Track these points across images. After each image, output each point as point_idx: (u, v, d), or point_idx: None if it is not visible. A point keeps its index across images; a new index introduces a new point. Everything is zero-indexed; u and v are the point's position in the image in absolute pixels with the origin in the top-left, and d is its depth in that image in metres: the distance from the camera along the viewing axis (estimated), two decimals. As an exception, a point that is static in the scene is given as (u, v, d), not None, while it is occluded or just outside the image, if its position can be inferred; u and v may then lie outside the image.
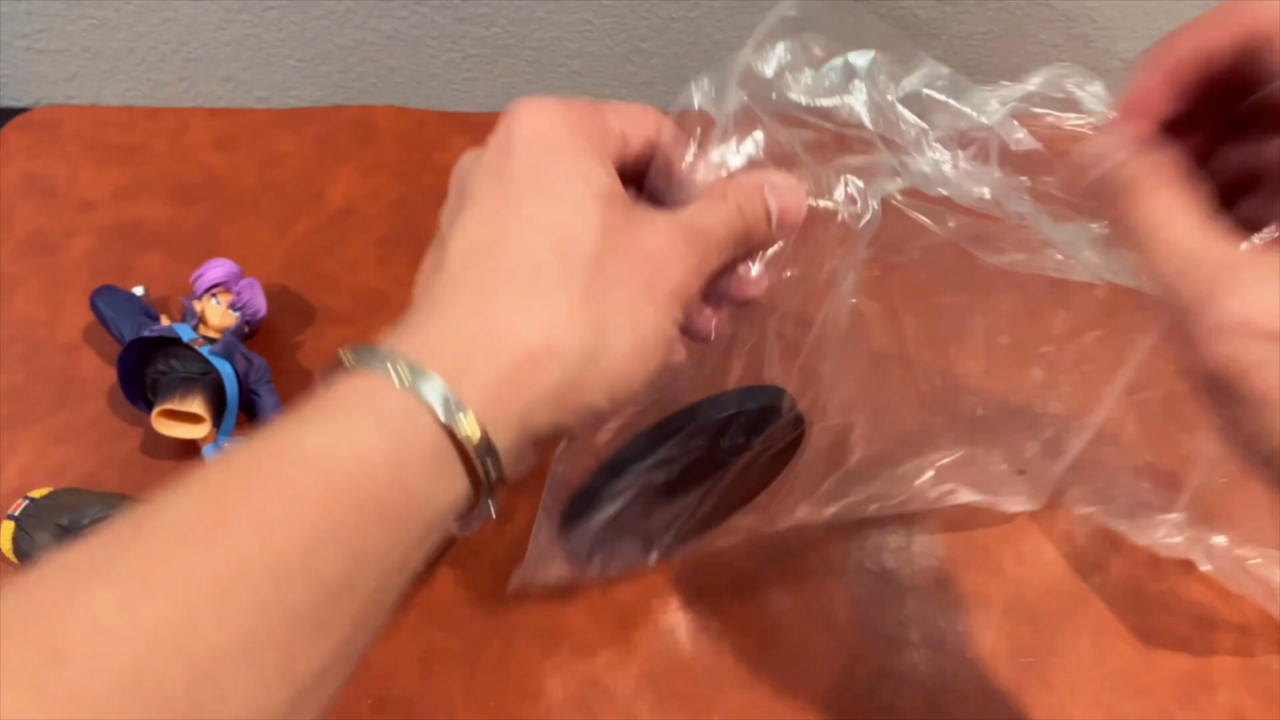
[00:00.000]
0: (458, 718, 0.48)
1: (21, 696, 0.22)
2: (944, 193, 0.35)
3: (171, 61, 0.69)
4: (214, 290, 0.57)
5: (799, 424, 0.45)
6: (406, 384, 0.27)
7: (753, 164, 0.34)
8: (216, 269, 0.57)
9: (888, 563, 0.52)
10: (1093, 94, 0.33)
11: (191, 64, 0.69)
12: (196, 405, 0.53)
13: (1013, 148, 0.34)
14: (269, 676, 0.24)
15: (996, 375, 0.49)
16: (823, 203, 0.34)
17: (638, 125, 0.33)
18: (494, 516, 0.30)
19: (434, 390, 0.27)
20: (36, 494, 0.50)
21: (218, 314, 0.56)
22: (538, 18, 0.65)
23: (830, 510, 0.51)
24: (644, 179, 0.35)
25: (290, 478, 0.26)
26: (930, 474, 0.51)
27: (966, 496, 0.52)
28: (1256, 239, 0.27)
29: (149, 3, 0.65)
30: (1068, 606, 0.51)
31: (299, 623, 0.25)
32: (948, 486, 0.51)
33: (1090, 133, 0.32)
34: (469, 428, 0.27)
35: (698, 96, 0.34)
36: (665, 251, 0.31)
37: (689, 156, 0.34)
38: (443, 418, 0.27)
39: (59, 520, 0.49)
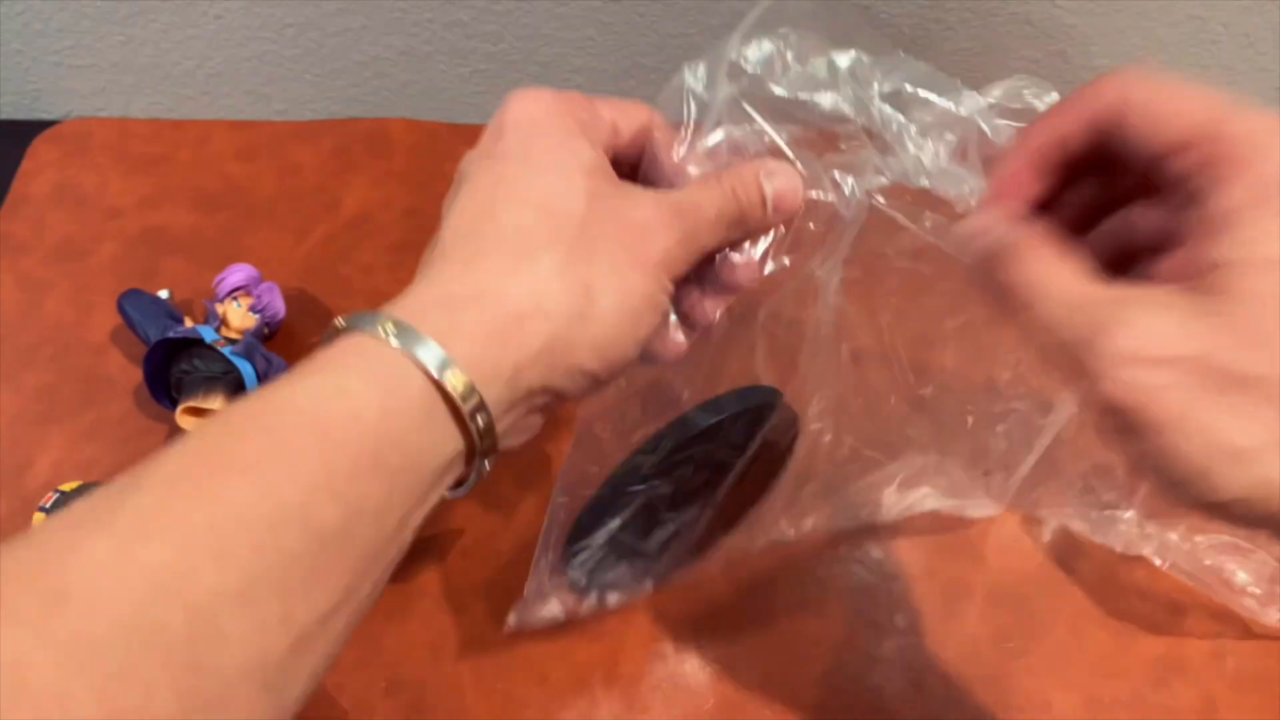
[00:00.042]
0: (466, 701, 0.48)
1: (24, 637, 0.21)
2: (927, 184, 0.34)
3: (195, 76, 0.69)
4: (235, 294, 0.57)
5: (795, 423, 0.45)
6: (395, 341, 0.27)
7: (744, 154, 0.34)
8: (237, 273, 0.58)
9: (874, 554, 0.52)
10: (1050, 103, 0.34)
11: (214, 79, 0.69)
12: (218, 403, 0.53)
13: (992, 137, 0.34)
14: (268, 621, 0.24)
15: (966, 377, 0.48)
16: (813, 193, 0.34)
17: (628, 117, 0.33)
18: (487, 471, 0.30)
19: (422, 345, 0.27)
20: (66, 487, 0.51)
21: (239, 316, 0.56)
22: (543, 35, 0.66)
23: (809, 522, 0.50)
24: (637, 173, 0.35)
25: (284, 429, 0.26)
26: (900, 478, 0.50)
27: (933, 504, 0.51)
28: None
29: (174, 20, 0.65)
30: (1046, 594, 0.51)
31: (297, 570, 0.24)
32: (916, 494, 0.51)
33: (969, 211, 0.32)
34: (456, 380, 0.27)
35: (690, 79, 0.34)
36: (651, 221, 0.30)
37: (681, 148, 0.34)
38: (432, 371, 0.27)
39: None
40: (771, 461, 0.47)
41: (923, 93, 0.34)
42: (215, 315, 0.56)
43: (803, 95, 0.34)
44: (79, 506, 0.24)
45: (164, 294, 0.59)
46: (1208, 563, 0.50)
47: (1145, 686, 0.49)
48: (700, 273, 0.33)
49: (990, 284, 0.28)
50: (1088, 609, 0.51)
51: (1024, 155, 0.29)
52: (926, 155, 0.34)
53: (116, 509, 0.24)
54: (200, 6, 0.64)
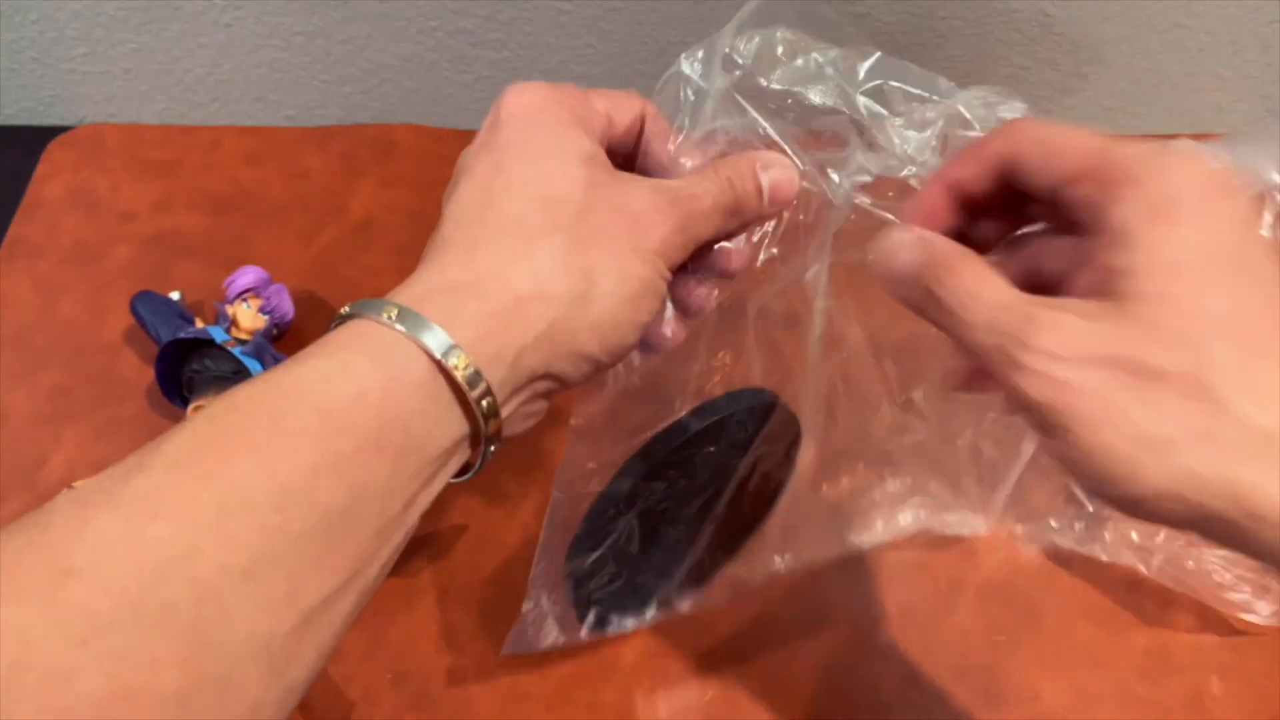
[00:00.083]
0: (472, 692, 0.48)
1: (32, 612, 0.21)
2: (912, 174, 0.34)
3: (205, 83, 0.69)
4: (245, 295, 0.57)
5: (794, 425, 0.44)
6: (399, 325, 0.27)
7: (739, 145, 0.34)
8: (247, 275, 0.58)
9: (869, 550, 0.52)
10: (1014, 109, 0.34)
11: (224, 85, 0.69)
12: (229, 402, 0.53)
13: (976, 127, 0.34)
14: (273, 600, 0.24)
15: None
16: (803, 184, 0.34)
17: (622, 107, 0.33)
18: (492, 454, 0.29)
19: (426, 329, 0.27)
20: (80, 484, 0.50)
21: (248, 317, 0.56)
22: (545, 43, 0.66)
23: (807, 554, 0.49)
24: (631, 162, 0.34)
25: (288, 411, 0.25)
26: (891, 496, 0.49)
27: (924, 521, 0.51)
28: None
29: (185, 29, 0.65)
30: (1036, 587, 0.51)
31: (302, 549, 0.24)
32: (906, 516, 0.50)
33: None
34: (460, 362, 0.27)
35: (686, 68, 0.34)
36: (648, 209, 0.30)
37: (677, 138, 0.34)
38: (436, 354, 0.27)
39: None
40: (774, 471, 0.45)
41: (906, 87, 0.35)
42: (225, 316, 0.56)
43: (794, 88, 0.34)
44: (86, 486, 0.24)
45: (175, 295, 0.59)
46: (1190, 565, 0.49)
47: (1133, 678, 0.48)
48: (694, 260, 0.33)
49: (916, 291, 0.29)
50: (1076, 602, 0.50)
51: (935, 191, 0.31)
52: (911, 146, 0.35)
53: (124, 488, 0.24)
54: (211, 15, 0.64)
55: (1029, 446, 0.48)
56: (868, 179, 0.35)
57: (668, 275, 0.31)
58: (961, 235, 0.31)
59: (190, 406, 0.53)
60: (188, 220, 0.64)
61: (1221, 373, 0.24)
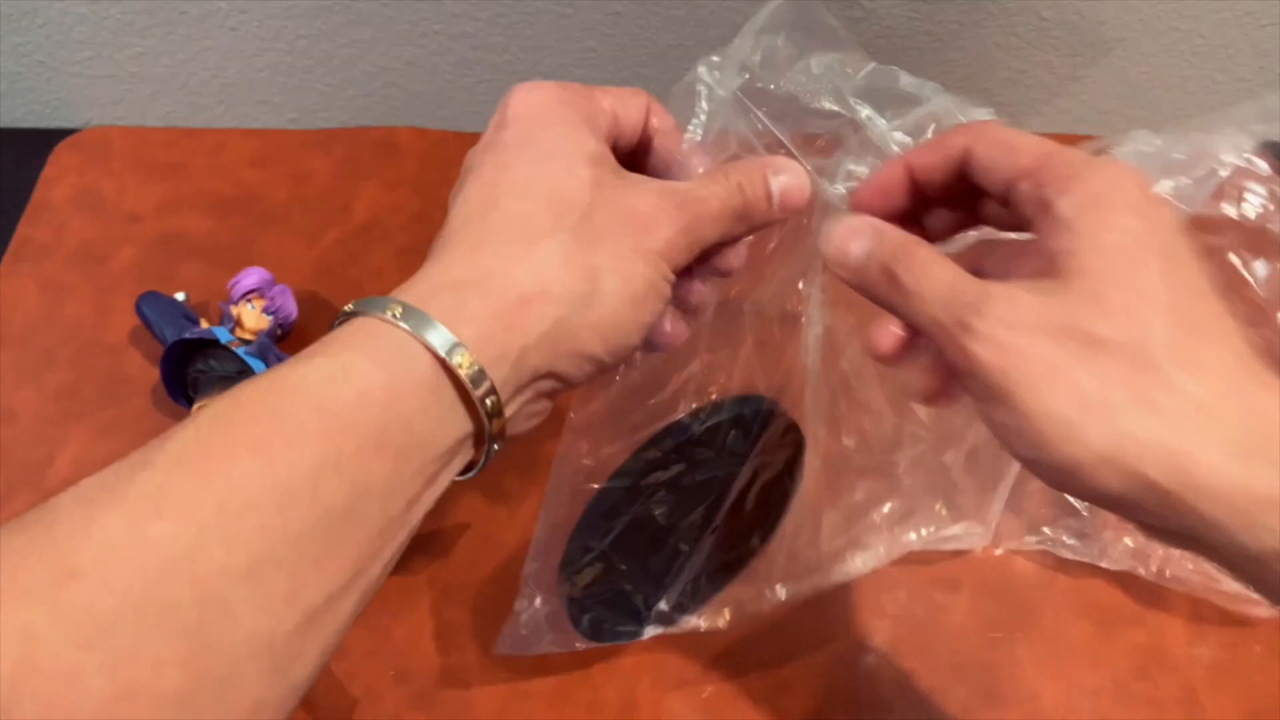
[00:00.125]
0: (473, 689, 0.47)
1: (35, 611, 0.21)
2: None
3: (210, 86, 0.68)
4: (249, 296, 0.57)
5: (794, 433, 0.43)
6: (404, 323, 0.27)
7: (749, 149, 0.34)
8: (251, 276, 0.57)
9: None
10: (983, 115, 0.34)
11: (229, 88, 0.69)
12: (233, 401, 0.52)
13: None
14: (276, 600, 0.23)
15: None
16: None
17: (628, 105, 0.33)
18: (495, 452, 0.29)
19: (430, 328, 0.27)
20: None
21: (253, 318, 0.56)
22: (546, 46, 0.65)
23: (810, 582, 0.48)
24: (639, 160, 0.34)
25: (291, 409, 0.25)
26: (891, 512, 0.49)
27: (925, 542, 0.50)
28: None
29: (190, 32, 0.65)
30: (1032, 585, 0.51)
31: (304, 548, 0.24)
32: (909, 534, 0.49)
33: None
34: (462, 359, 0.26)
35: (704, 73, 0.34)
36: (654, 211, 0.30)
37: (688, 141, 0.33)
38: (440, 353, 0.26)
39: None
40: (775, 484, 0.45)
41: (903, 91, 0.35)
42: (230, 317, 0.56)
43: (795, 92, 0.34)
44: (90, 483, 0.24)
45: (180, 296, 0.58)
46: (1190, 566, 0.49)
47: (1127, 675, 0.48)
48: (697, 261, 0.33)
49: (872, 273, 0.30)
50: (1071, 600, 0.50)
51: (894, 169, 0.32)
52: (903, 150, 0.35)
53: (127, 486, 0.23)
54: (216, 19, 0.64)
55: (1014, 468, 0.47)
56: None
57: (671, 277, 0.31)
58: (914, 224, 0.33)
59: (195, 406, 0.52)
60: (192, 222, 0.64)
61: (1162, 345, 0.25)
